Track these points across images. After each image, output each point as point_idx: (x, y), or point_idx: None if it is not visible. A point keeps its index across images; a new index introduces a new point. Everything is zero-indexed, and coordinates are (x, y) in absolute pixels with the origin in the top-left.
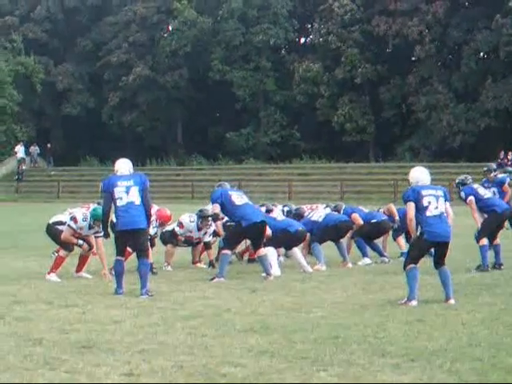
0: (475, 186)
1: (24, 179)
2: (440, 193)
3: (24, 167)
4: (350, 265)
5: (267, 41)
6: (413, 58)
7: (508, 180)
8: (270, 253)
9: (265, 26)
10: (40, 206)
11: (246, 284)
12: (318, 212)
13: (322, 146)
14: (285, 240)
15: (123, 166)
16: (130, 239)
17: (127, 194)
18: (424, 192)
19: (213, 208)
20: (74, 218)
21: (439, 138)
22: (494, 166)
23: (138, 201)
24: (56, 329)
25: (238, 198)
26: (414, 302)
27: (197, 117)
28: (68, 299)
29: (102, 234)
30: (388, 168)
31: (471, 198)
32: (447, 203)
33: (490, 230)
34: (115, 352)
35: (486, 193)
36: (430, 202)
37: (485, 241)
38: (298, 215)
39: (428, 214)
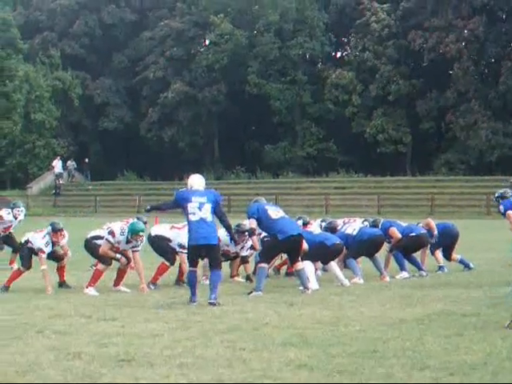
0: None
1: (61, 194)
2: None
3: (62, 182)
4: (387, 278)
5: (303, 54)
6: (450, 72)
7: None
8: (307, 267)
9: (301, 39)
10: (77, 221)
11: (283, 298)
12: (352, 225)
13: (358, 159)
14: (322, 254)
15: (198, 181)
16: (203, 252)
17: (200, 210)
18: None
19: (250, 223)
20: (111, 232)
21: (477, 153)
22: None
23: (209, 217)
24: (95, 342)
25: (275, 213)
26: None
27: (234, 131)
28: (106, 313)
29: (139, 248)
30: (425, 182)
31: (510, 212)
32: None
33: None
34: (154, 365)
35: None
36: None
37: None
38: (331, 229)
39: None
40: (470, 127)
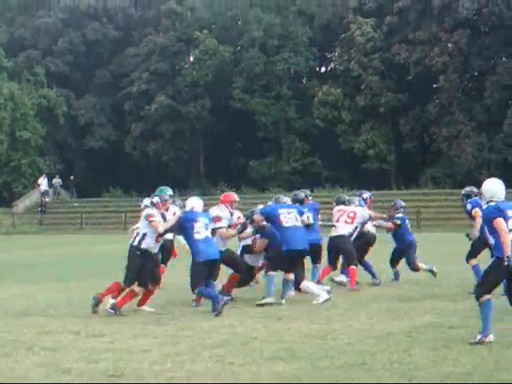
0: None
1: (47, 211)
2: None
3: (47, 199)
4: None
5: (288, 69)
6: (434, 86)
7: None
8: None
9: (285, 54)
10: (64, 238)
11: (271, 312)
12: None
13: (343, 174)
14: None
15: (199, 204)
16: (208, 270)
17: (205, 230)
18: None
19: (257, 216)
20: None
21: (465, 170)
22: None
23: (210, 235)
24: (84, 358)
25: (286, 219)
26: (490, 337)
27: (219, 146)
28: (95, 329)
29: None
30: (410, 195)
31: (478, 210)
32: None
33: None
34: (143, 380)
35: None
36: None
37: (474, 261)
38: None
39: None
40: (454, 139)
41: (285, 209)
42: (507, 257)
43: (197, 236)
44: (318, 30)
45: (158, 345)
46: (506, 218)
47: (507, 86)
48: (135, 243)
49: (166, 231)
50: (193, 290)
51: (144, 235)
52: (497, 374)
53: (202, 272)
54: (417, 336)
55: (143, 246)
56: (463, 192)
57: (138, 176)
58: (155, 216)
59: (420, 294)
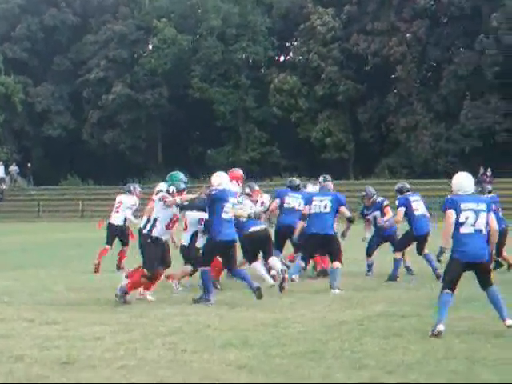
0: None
1: (4, 199)
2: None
3: (4, 187)
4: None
5: (246, 58)
6: (392, 76)
7: (387, 202)
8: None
9: (244, 43)
10: (20, 226)
11: (225, 300)
12: None
13: (301, 164)
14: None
15: (226, 180)
16: (223, 251)
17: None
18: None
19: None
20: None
21: (421, 161)
22: (371, 190)
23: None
24: (37, 345)
25: (288, 202)
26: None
27: (177, 134)
28: (50, 317)
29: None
30: (367, 185)
31: (401, 209)
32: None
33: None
34: (96, 368)
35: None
36: (467, 218)
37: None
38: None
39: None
40: (412, 130)
41: (292, 193)
42: (441, 247)
43: (224, 216)
44: (276, 19)
45: (112, 332)
46: (458, 211)
47: (464, 76)
48: (146, 230)
49: (184, 208)
50: (198, 266)
51: (155, 221)
52: (446, 363)
53: (216, 251)
54: (369, 325)
55: (154, 233)
56: (396, 187)
57: (95, 164)
58: (168, 196)
59: (374, 284)
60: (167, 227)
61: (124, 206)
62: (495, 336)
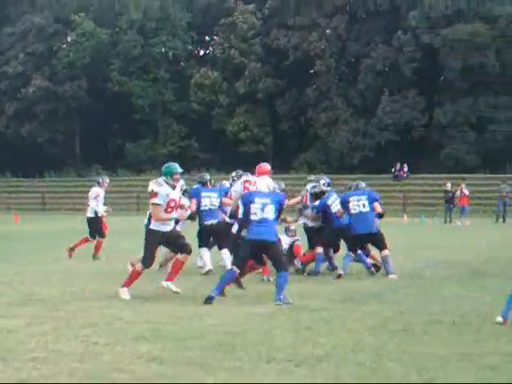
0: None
1: None
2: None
3: None
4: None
5: (166, 52)
6: (311, 71)
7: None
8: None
9: (163, 37)
10: None
11: (140, 294)
12: None
13: (219, 158)
14: None
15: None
16: (251, 250)
17: (262, 211)
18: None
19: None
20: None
21: (338, 155)
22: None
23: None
24: None
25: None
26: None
27: (96, 127)
28: None
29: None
30: (286, 180)
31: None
32: None
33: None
34: (6, 360)
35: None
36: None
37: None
38: None
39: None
40: (333, 125)
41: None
42: None
43: (253, 217)
44: (197, 13)
45: (24, 325)
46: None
47: (381, 71)
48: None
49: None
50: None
51: (151, 215)
52: (354, 355)
53: (246, 250)
54: (280, 318)
55: (151, 226)
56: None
57: (12, 156)
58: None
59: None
60: (166, 211)
61: (90, 197)
62: (404, 330)
